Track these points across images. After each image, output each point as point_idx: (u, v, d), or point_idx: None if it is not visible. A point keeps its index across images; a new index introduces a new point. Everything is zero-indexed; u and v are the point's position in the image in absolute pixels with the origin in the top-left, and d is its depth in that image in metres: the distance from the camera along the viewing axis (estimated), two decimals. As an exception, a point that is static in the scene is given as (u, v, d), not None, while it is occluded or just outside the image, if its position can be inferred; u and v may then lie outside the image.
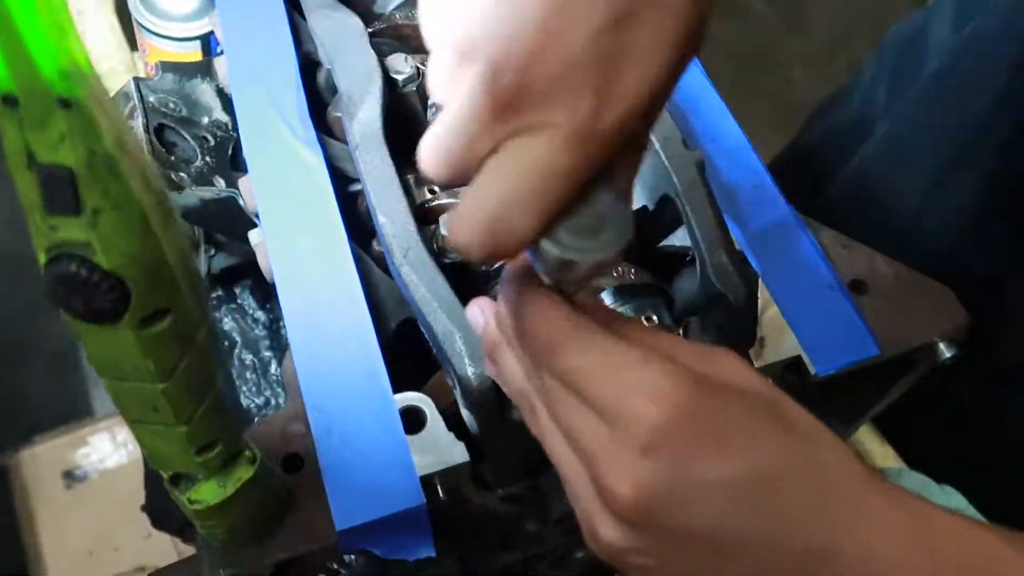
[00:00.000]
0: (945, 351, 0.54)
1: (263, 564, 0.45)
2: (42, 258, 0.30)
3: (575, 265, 0.32)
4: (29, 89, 0.25)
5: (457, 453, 0.47)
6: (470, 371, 0.45)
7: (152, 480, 0.80)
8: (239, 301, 0.85)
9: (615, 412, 0.33)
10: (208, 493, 0.40)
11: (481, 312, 0.42)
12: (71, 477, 1.54)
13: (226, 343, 0.84)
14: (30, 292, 1.71)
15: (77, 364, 1.81)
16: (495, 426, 0.46)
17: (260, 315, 0.85)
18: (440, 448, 0.47)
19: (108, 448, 1.57)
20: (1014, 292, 0.82)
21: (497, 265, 0.55)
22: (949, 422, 0.92)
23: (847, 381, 0.54)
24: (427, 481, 0.47)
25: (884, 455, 0.89)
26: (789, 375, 0.53)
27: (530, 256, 0.34)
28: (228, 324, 0.85)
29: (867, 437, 0.89)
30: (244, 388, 0.82)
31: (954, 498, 0.83)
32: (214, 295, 0.83)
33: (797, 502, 0.32)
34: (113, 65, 0.89)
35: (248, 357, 0.84)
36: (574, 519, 0.55)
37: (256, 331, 0.84)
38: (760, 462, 0.32)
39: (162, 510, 0.79)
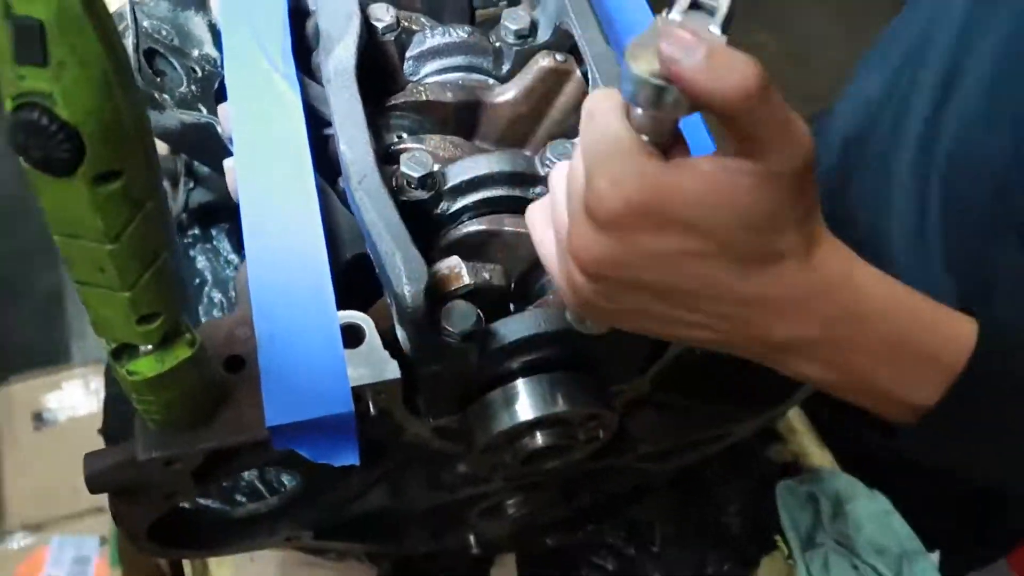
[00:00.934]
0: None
1: (194, 450, 0.48)
2: (8, 105, 0.33)
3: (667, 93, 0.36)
4: None
5: (389, 369, 0.50)
6: (406, 289, 0.48)
7: (110, 402, 0.83)
8: (214, 242, 0.88)
9: (591, 189, 0.40)
10: (146, 366, 0.43)
11: None
12: (40, 419, 1.56)
13: (197, 280, 0.87)
14: (25, 236, 1.75)
15: (62, 311, 1.83)
16: (427, 344, 0.49)
17: (233, 258, 0.88)
18: (375, 363, 0.50)
19: (80, 395, 1.60)
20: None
21: (454, 210, 0.58)
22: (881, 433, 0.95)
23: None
24: (359, 395, 0.50)
25: (822, 457, 0.91)
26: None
27: (625, 93, 0.38)
28: (201, 263, 0.88)
29: (807, 439, 0.92)
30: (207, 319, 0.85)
31: (878, 500, 0.86)
32: (190, 233, 0.87)
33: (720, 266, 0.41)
34: None
35: (217, 296, 0.87)
36: (500, 455, 0.58)
37: (227, 272, 0.87)
38: (687, 242, 0.40)
39: (118, 431, 0.82)
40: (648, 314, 0.43)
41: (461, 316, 0.49)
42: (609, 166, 0.39)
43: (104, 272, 0.38)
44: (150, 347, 0.43)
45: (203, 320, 0.83)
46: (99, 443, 0.78)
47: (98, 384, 1.55)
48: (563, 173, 0.44)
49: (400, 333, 0.51)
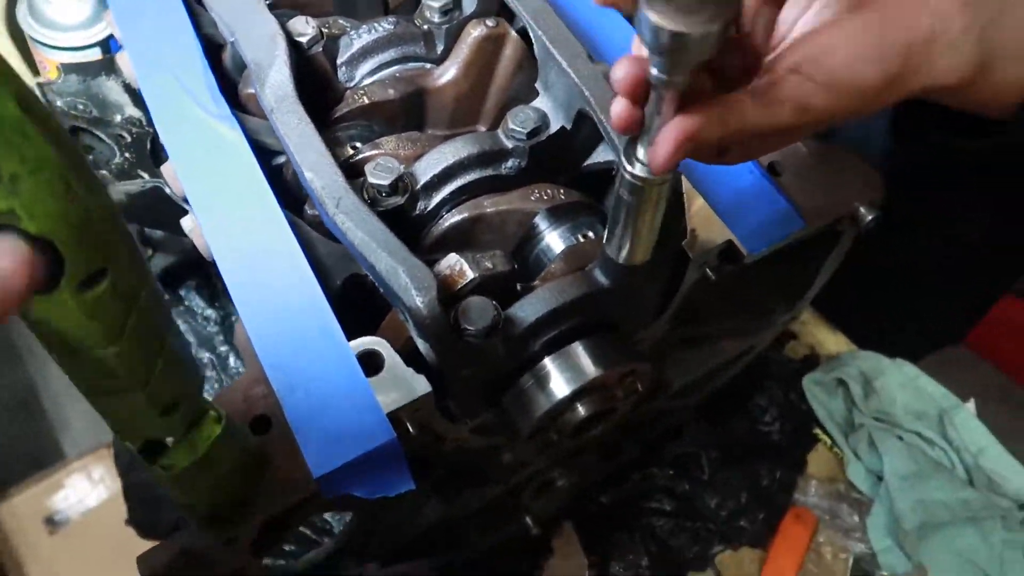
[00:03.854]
0: (867, 215, 0.56)
1: (249, 525, 0.46)
2: None
3: (686, 39, 0.34)
4: None
5: (419, 385, 0.48)
6: (419, 301, 0.46)
7: (131, 491, 0.81)
8: (187, 303, 0.85)
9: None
10: (181, 457, 0.41)
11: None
12: (52, 523, 1.52)
13: (181, 344, 0.84)
14: (-21, 347, 1.68)
15: (40, 408, 1.78)
16: (451, 349, 0.48)
17: (210, 312, 0.85)
18: (402, 384, 0.48)
19: (85, 487, 1.56)
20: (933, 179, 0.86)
21: (432, 207, 0.56)
22: (888, 300, 0.96)
23: (781, 258, 0.56)
24: (395, 418, 0.48)
25: (836, 342, 0.92)
26: (725, 262, 0.55)
27: (644, 41, 0.35)
28: (180, 326, 0.85)
29: (817, 328, 0.93)
30: (207, 386, 0.82)
31: (906, 368, 0.86)
32: (161, 298, 0.83)
33: None
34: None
35: (205, 355, 0.84)
36: (546, 436, 0.56)
37: (209, 328, 0.84)
38: None
39: (146, 517, 0.80)
40: None
41: (479, 312, 0.47)
42: None
43: (115, 377, 0.36)
44: (178, 437, 0.40)
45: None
46: (119, 532, 0.75)
47: (100, 472, 1.51)
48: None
49: (422, 345, 0.49)
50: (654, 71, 0.37)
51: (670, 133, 0.39)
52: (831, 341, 0.92)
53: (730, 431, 0.84)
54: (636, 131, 0.42)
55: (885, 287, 0.93)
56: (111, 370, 0.35)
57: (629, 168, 0.42)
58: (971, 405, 0.85)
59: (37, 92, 0.56)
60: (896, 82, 0.44)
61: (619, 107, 0.42)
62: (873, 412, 0.84)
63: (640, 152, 0.42)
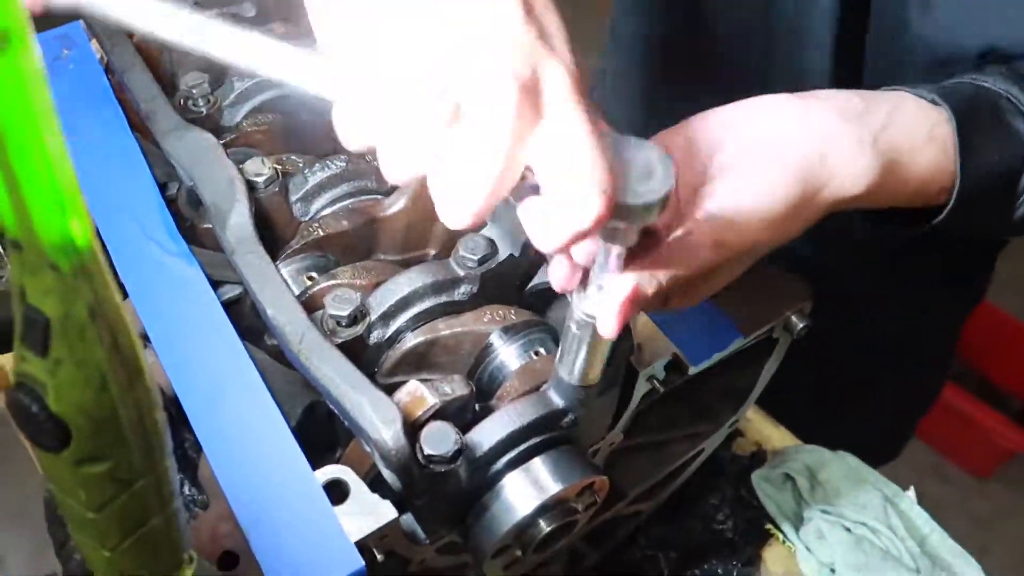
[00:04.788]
0: (798, 322, 0.60)
1: (219, 665, 0.46)
2: (12, 377, 0.32)
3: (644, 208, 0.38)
4: (29, 243, 0.28)
5: (386, 511, 0.49)
6: (385, 434, 0.47)
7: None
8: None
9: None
10: (151, 601, 0.41)
11: None
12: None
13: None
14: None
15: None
16: (416, 477, 0.49)
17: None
18: (368, 511, 0.49)
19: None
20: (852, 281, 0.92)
21: (389, 335, 0.58)
22: (830, 399, 1.00)
23: (724, 366, 0.59)
24: (364, 546, 0.49)
25: (781, 437, 0.95)
26: (671, 374, 0.58)
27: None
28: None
29: (763, 424, 0.96)
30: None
31: (848, 459, 0.90)
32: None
33: None
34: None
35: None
36: (510, 553, 0.58)
37: (179, 449, 0.83)
38: None
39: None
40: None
41: (441, 439, 0.49)
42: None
43: (87, 532, 0.36)
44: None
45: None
46: None
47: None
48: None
49: (387, 474, 0.50)
50: (605, 236, 0.41)
51: (614, 302, 0.43)
52: (776, 436, 0.95)
53: (687, 531, 0.86)
54: (577, 287, 0.45)
55: (824, 383, 0.98)
56: (84, 526, 0.36)
57: (578, 307, 0.45)
58: (911, 493, 0.88)
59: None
60: (802, 205, 0.49)
61: (560, 269, 0.45)
62: (820, 504, 0.87)
63: (588, 291, 0.45)
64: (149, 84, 0.62)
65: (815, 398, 0.99)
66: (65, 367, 0.31)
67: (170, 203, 0.63)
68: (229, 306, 0.59)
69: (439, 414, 0.51)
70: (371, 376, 0.59)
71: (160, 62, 0.71)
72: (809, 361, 0.81)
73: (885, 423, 1.08)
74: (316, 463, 0.51)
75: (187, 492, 0.73)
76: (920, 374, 1.03)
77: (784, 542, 0.88)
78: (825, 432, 0.94)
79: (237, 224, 0.55)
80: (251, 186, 0.60)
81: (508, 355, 0.60)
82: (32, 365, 0.31)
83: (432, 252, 0.69)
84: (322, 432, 0.58)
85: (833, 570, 0.83)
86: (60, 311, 0.30)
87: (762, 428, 0.96)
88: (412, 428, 0.50)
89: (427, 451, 0.49)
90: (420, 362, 0.60)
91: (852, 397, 1.00)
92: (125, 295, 0.58)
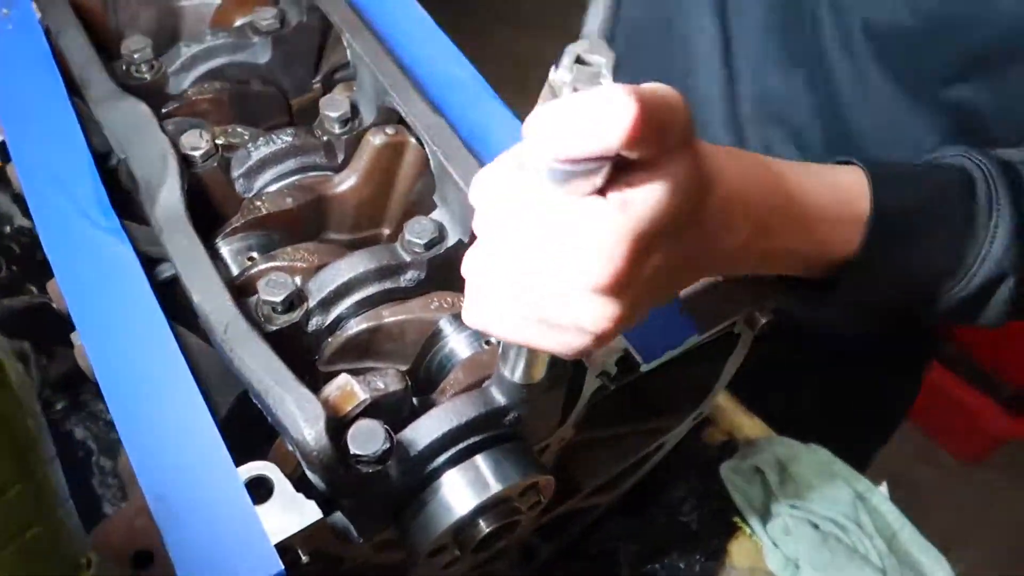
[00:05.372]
0: (761, 317, 0.57)
1: (126, 670, 0.44)
2: None
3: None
4: None
5: (309, 512, 0.46)
6: (307, 433, 0.45)
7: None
8: (88, 408, 0.82)
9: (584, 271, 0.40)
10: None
11: None
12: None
13: (81, 453, 0.81)
14: None
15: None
16: (341, 478, 0.46)
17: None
18: (291, 511, 0.46)
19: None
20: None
21: (328, 322, 0.56)
22: (804, 390, 0.97)
23: (681, 362, 0.56)
24: (285, 547, 0.46)
25: (753, 427, 0.93)
26: (622, 371, 0.55)
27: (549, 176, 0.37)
28: (80, 433, 0.82)
29: (735, 413, 0.93)
30: (108, 494, 0.79)
31: (820, 453, 0.87)
32: (59, 406, 0.80)
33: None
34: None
35: (107, 463, 0.81)
36: (448, 552, 0.55)
37: (112, 434, 0.81)
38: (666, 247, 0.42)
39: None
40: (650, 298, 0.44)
41: (369, 438, 0.46)
42: (584, 239, 0.38)
43: None
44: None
45: (100, 492, 0.78)
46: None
47: None
48: (487, 265, 0.42)
49: (312, 476, 0.48)
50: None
51: None
52: (748, 425, 0.93)
53: (648, 523, 0.84)
54: None
55: (798, 375, 0.95)
56: None
57: None
58: (884, 488, 0.86)
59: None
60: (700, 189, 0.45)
61: None
62: (790, 499, 0.84)
63: None
64: (84, 47, 0.59)
65: (788, 390, 0.96)
66: None
67: (110, 174, 0.60)
68: (167, 285, 0.56)
69: (371, 410, 0.49)
70: (310, 365, 0.57)
71: (104, 23, 0.67)
72: (779, 357, 0.78)
73: (866, 412, 1.05)
74: (249, 458, 0.49)
75: (111, 482, 0.71)
76: (898, 373, 1.00)
77: (752, 536, 0.86)
78: (801, 422, 0.92)
79: (167, 201, 0.52)
80: (188, 160, 0.57)
81: (457, 344, 0.57)
82: None
83: (386, 232, 0.66)
84: (257, 425, 0.56)
85: (799, 566, 0.81)
86: None
87: (734, 417, 0.93)
88: (340, 425, 0.47)
89: (354, 451, 0.46)
90: (363, 350, 0.57)
91: (828, 390, 0.98)
92: (51, 272, 0.56)
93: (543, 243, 0.39)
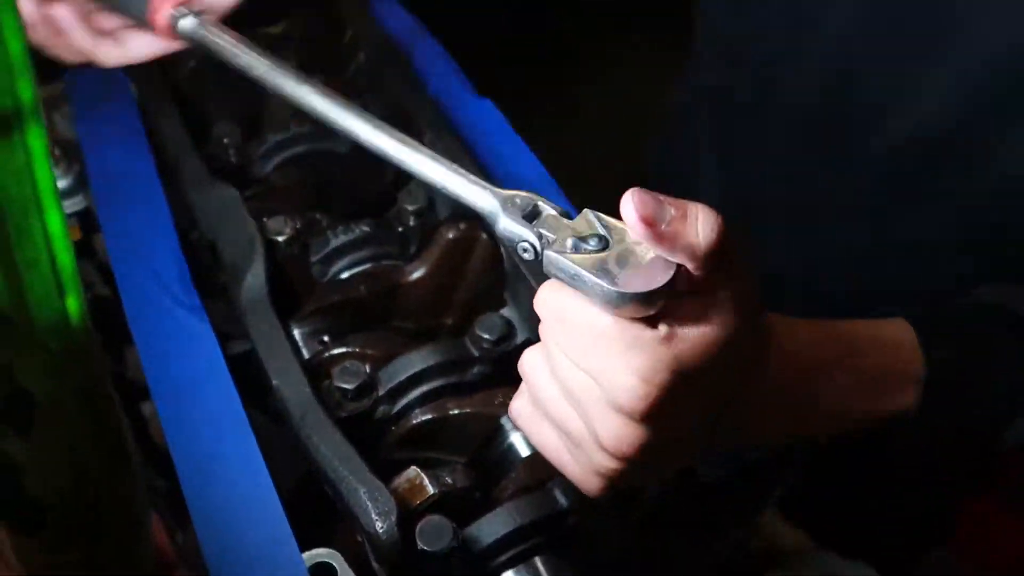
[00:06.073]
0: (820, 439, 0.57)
1: None
2: None
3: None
4: (20, 320, 0.27)
5: (372, 605, 0.47)
6: (379, 527, 0.45)
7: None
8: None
9: (617, 387, 0.40)
10: None
11: None
12: None
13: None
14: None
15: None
16: (407, 572, 0.47)
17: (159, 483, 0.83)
18: (354, 602, 0.47)
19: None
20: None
21: (396, 411, 0.57)
22: (850, 502, 0.96)
23: (739, 479, 0.56)
24: (347, 638, 0.46)
25: (795, 536, 0.91)
26: (684, 480, 0.55)
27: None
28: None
29: (773, 522, 0.92)
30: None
31: (863, 571, 0.86)
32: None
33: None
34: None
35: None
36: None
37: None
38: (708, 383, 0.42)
39: None
40: (680, 451, 0.44)
41: (436, 535, 0.47)
42: (624, 361, 0.39)
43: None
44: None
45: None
46: None
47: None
48: (537, 367, 0.44)
49: (377, 568, 0.48)
50: None
51: None
52: (789, 535, 0.92)
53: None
54: None
55: (845, 487, 0.94)
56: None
57: None
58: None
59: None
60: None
61: None
62: (831, 618, 0.83)
63: None
64: (178, 132, 0.61)
65: (832, 496, 0.95)
66: (46, 449, 0.29)
67: (191, 248, 0.63)
68: (239, 359, 0.58)
69: (438, 504, 0.49)
70: (374, 450, 0.57)
71: (195, 103, 0.71)
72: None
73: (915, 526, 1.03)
74: (304, 534, 0.49)
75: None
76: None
77: (789, 653, 0.84)
78: (845, 530, 0.90)
79: (252, 286, 0.54)
80: (271, 244, 0.59)
81: (517, 441, 0.58)
82: (11, 444, 0.29)
83: (449, 321, 0.68)
84: (315, 503, 0.56)
85: None
86: (47, 391, 0.28)
87: (774, 526, 0.92)
88: (408, 517, 0.48)
89: (421, 546, 0.46)
90: (425, 440, 0.57)
91: (873, 495, 0.96)
92: (132, 343, 0.57)
93: (588, 359, 0.40)
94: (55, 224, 0.27)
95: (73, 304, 0.28)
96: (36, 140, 0.25)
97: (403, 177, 0.72)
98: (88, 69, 0.68)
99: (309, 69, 0.55)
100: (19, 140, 0.25)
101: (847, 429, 0.54)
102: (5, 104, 0.24)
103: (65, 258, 0.27)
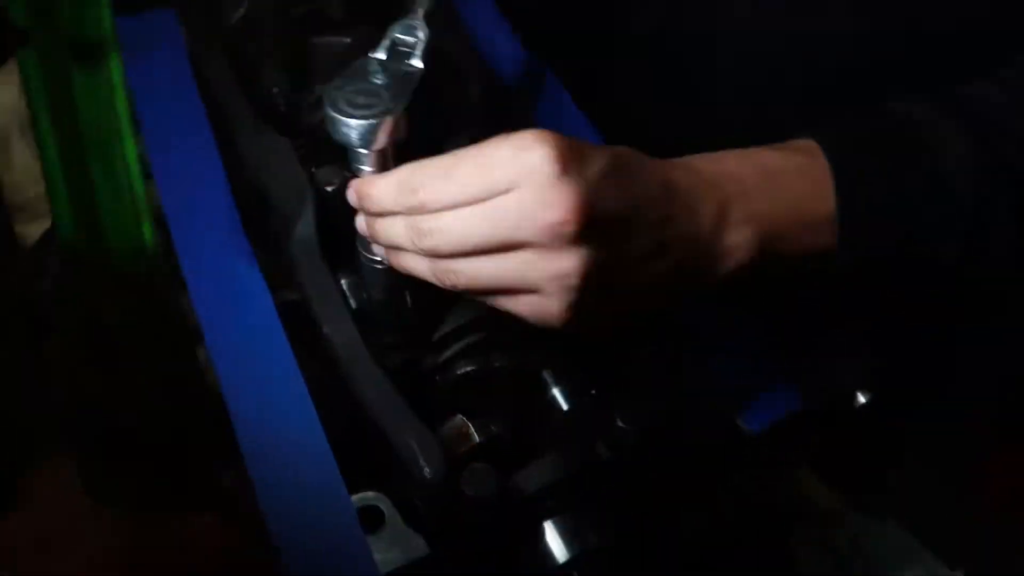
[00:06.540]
0: (861, 398, 0.58)
1: None
2: None
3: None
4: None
5: (417, 546, 0.48)
6: (426, 472, 0.47)
7: None
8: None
9: (511, 177, 0.44)
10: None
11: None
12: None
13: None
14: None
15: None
16: (452, 517, 0.48)
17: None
18: (401, 543, 0.48)
19: None
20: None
21: (445, 358, 0.58)
22: (884, 460, 0.96)
23: (776, 435, 0.57)
24: (394, 576, 0.48)
25: (829, 498, 0.92)
26: (725, 431, 0.56)
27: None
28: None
29: (808, 482, 0.93)
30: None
31: (897, 533, 0.86)
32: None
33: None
34: (40, 191, 0.90)
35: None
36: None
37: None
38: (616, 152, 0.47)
39: None
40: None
41: (481, 481, 0.48)
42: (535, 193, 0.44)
43: None
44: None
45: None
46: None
47: None
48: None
49: (422, 508, 0.49)
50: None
51: None
52: (823, 496, 0.92)
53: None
54: None
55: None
56: None
57: None
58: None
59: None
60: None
61: None
62: (863, 579, 0.84)
63: None
64: (228, 79, 0.62)
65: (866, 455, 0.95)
66: (129, 384, 0.30)
67: (241, 196, 0.63)
68: (289, 306, 0.59)
69: (482, 452, 0.50)
70: (420, 399, 0.59)
71: (245, 51, 0.71)
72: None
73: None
74: (353, 478, 0.51)
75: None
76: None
77: (817, 610, 0.85)
78: (878, 490, 0.91)
79: (302, 236, 0.55)
80: (321, 194, 0.59)
81: (559, 395, 0.59)
82: (94, 383, 0.30)
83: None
84: (362, 448, 0.57)
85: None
86: (128, 324, 0.29)
87: (808, 486, 0.92)
88: (453, 463, 0.49)
89: (466, 491, 0.48)
90: (469, 393, 0.59)
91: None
92: (186, 291, 0.59)
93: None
94: (132, 153, 0.27)
95: (148, 231, 0.29)
96: (116, 69, 0.26)
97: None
98: (137, 15, 0.69)
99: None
100: (104, 69, 0.25)
101: (778, 252, 0.52)
102: (94, 33, 0.24)
103: (140, 186, 0.28)
